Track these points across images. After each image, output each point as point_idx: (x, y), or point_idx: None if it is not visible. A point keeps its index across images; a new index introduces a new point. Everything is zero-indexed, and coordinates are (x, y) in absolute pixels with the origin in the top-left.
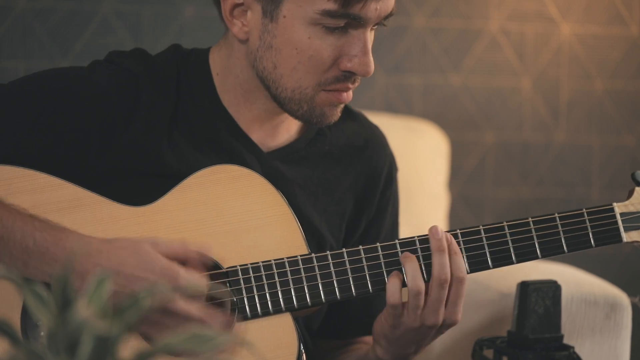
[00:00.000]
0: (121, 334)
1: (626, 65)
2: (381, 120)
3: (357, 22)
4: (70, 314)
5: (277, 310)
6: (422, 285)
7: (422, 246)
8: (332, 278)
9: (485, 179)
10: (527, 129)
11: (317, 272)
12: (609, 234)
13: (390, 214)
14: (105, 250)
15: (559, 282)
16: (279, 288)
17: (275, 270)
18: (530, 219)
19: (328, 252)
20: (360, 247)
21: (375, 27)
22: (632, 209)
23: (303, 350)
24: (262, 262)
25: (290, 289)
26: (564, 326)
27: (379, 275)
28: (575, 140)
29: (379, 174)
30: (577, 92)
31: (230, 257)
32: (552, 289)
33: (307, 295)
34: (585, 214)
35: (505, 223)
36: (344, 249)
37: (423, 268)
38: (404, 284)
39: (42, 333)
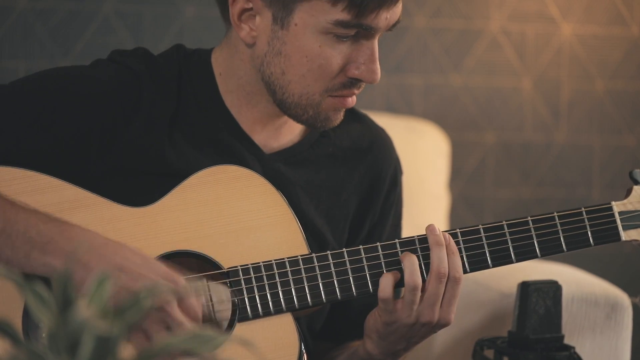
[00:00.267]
0: (122, 334)
1: (627, 66)
2: (382, 121)
3: (367, 32)
4: (71, 314)
5: (278, 310)
6: (419, 281)
7: (422, 246)
8: (333, 278)
9: (486, 179)
10: (527, 129)
11: (318, 272)
12: (607, 232)
13: (393, 216)
14: (110, 244)
15: (560, 282)
16: (279, 288)
17: (276, 270)
18: (529, 218)
19: (329, 252)
20: (361, 246)
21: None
22: (630, 207)
23: (304, 351)
24: (263, 262)
25: (291, 288)
26: (565, 326)
27: (379, 275)
28: (575, 140)
29: (384, 177)
30: (578, 93)
31: (230, 257)
32: (552, 289)
33: (308, 295)
34: (584, 213)
35: (504, 222)
36: (344, 249)
37: (423, 267)
38: (400, 283)
39: (43, 334)
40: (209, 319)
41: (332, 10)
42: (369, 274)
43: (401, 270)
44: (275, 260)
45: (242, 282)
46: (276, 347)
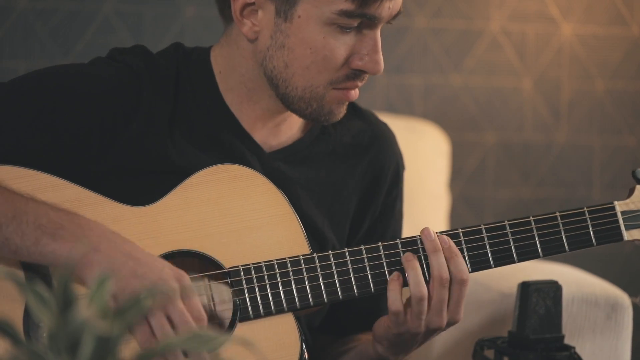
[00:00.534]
0: (122, 334)
1: (627, 66)
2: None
3: (370, 22)
4: (72, 314)
5: (279, 310)
6: (425, 291)
7: (424, 245)
8: (334, 278)
9: (486, 180)
10: (528, 129)
11: (319, 271)
12: (610, 232)
13: (396, 214)
14: (119, 235)
15: (560, 282)
16: (281, 288)
17: (277, 270)
18: (531, 218)
19: (330, 252)
20: (362, 246)
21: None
22: (632, 207)
23: (305, 350)
24: (264, 261)
25: (292, 288)
26: (565, 326)
27: (381, 275)
28: (576, 140)
29: (386, 172)
30: (578, 93)
31: (232, 257)
32: (553, 289)
33: (309, 295)
34: (587, 213)
35: (506, 222)
36: (345, 249)
37: (425, 268)
38: (404, 285)
39: (44, 334)
40: (211, 319)
41: (336, 1)
42: (371, 274)
43: (402, 271)
44: (276, 259)
45: (244, 281)
46: (277, 346)
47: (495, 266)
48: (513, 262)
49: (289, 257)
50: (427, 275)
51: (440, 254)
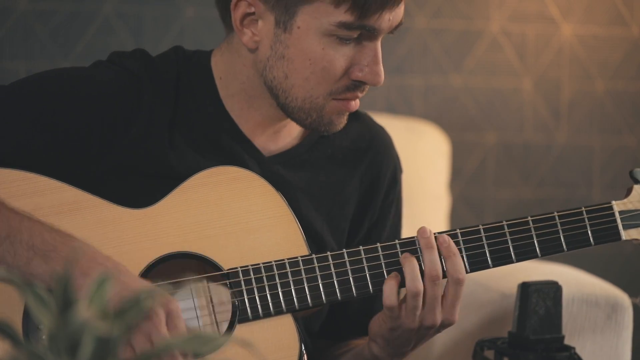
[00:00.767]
0: (122, 335)
1: (627, 66)
2: (382, 121)
3: (370, 33)
4: (71, 315)
5: (278, 312)
6: (421, 287)
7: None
8: (333, 279)
9: (486, 180)
10: (528, 129)
11: (318, 272)
12: (608, 232)
13: (393, 216)
14: (111, 259)
15: (560, 282)
16: (279, 289)
17: (275, 272)
18: (529, 218)
19: (328, 253)
20: (361, 247)
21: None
22: (630, 206)
23: (304, 351)
24: (263, 263)
25: (291, 289)
26: (565, 327)
27: (379, 275)
28: (576, 141)
29: (383, 176)
30: (578, 93)
31: (230, 259)
32: (553, 289)
33: (308, 296)
34: (584, 213)
35: (504, 222)
36: (344, 250)
37: (423, 270)
38: (401, 285)
39: (43, 336)
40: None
41: (335, 12)
42: (369, 275)
43: (401, 271)
44: (275, 261)
45: (242, 283)
46: (276, 348)
47: (494, 266)
48: (511, 262)
49: (288, 259)
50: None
51: (433, 251)
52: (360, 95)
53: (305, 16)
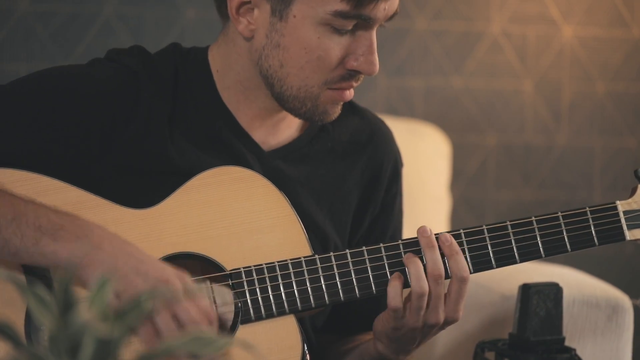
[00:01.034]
0: (123, 337)
1: (628, 68)
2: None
3: (365, 23)
4: (72, 317)
5: (281, 312)
6: (426, 287)
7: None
8: (336, 279)
9: (487, 181)
10: (528, 131)
11: (321, 273)
12: (612, 232)
13: (396, 210)
14: (120, 237)
15: (561, 284)
16: (282, 290)
17: (278, 272)
18: (533, 218)
19: (332, 254)
20: (364, 247)
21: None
22: (635, 206)
23: (307, 352)
24: (266, 264)
25: (293, 290)
26: (566, 328)
27: (382, 276)
28: (577, 142)
29: (384, 169)
30: (579, 95)
31: (233, 259)
32: (553, 291)
33: (310, 296)
34: (589, 213)
35: (508, 222)
36: (347, 250)
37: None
38: (405, 286)
39: (45, 337)
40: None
41: (331, 1)
42: (372, 275)
43: (403, 272)
44: (278, 261)
45: (245, 284)
46: (279, 348)
47: (497, 267)
48: (515, 262)
49: (291, 259)
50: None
51: (434, 250)
52: (355, 84)
53: (301, 5)
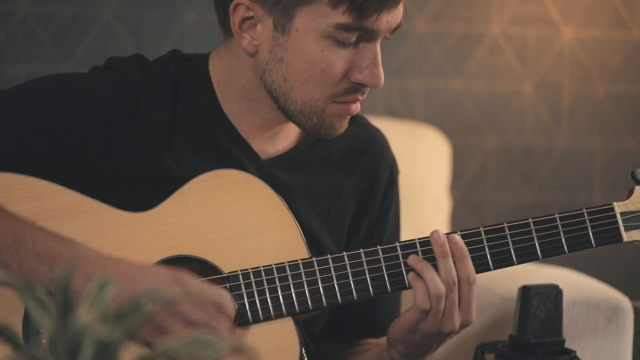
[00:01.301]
0: (122, 339)
1: (628, 69)
2: (383, 125)
3: (369, 35)
4: (72, 319)
5: (279, 315)
6: (444, 289)
7: (423, 249)
8: (333, 282)
9: (487, 183)
10: (529, 133)
11: (318, 275)
12: (609, 233)
13: (392, 217)
14: (115, 259)
15: (561, 286)
16: (280, 292)
17: (276, 275)
18: (530, 220)
19: (329, 256)
20: (361, 250)
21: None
22: (632, 208)
23: (305, 355)
24: (263, 266)
25: (291, 293)
26: (566, 330)
27: (380, 278)
28: (577, 144)
29: (381, 177)
30: (579, 96)
31: (231, 262)
32: (553, 293)
33: (308, 299)
34: (586, 214)
35: (505, 224)
36: (344, 252)
37: None
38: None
39: (44, 339)
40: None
41: (332, 14)
42: (370, 278)
43: (401, 274)
44: (275, 264)
45: (243, 286)
46: (277, 351)
47: (495, 268)
48: (512, 264)
49: (288, 262)
50: None
51: (449, 259)
52: (360, 98)
53: (303, 18)
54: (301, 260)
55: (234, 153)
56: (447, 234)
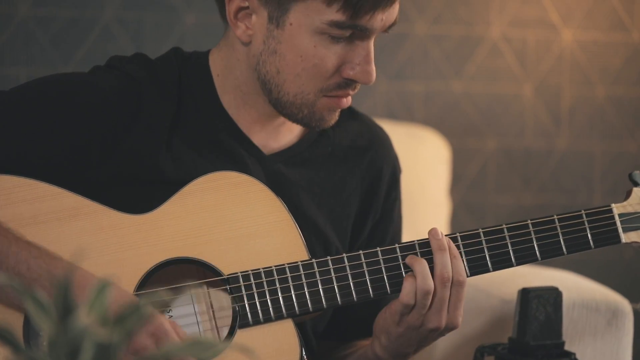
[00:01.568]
0: (122, 342)
1: (628, 72)
2: (383, 127)
3: (362, 33)
4: (71, 322)
5: (279, 317)
6: (432, 285)
7: (422, 250)
8: (333, 283)
9: (487, 186)
10: (528, 135)
11: (318, 277)
12: (607, 235)
13: (395, 216)
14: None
15: (560, 288)
16: (280, 294)
17: (276, 277)
18: (529, 221)
19: (329, 258)
20: (361, 252)
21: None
22: (630, 209)
23: (305, 356)
24: (263, 268)
25: (291, 294)
26: (566, 332)
27: (379, 280)
28: (577, 146)
29: (384, 175)
30: (579, 99)
31: (231, 264)
32: (553, 295)
33: (308, 300)
34: (584, 216)
35: (504, 226)
36: (344, 254)
37: None
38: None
39: (44, 342)
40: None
41: (327, 11)
42: (369, 279)
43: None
44: (275, 266)
45: (243, 288)
46: (277, 352)
47: (494, 270)
48: (511, 265)
49: (288, 264)
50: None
51: (445, 253)
52: (351, 93)
53: (297, 13)
54: (301, 262)
55: (234, 148)
56: (446, 235)
